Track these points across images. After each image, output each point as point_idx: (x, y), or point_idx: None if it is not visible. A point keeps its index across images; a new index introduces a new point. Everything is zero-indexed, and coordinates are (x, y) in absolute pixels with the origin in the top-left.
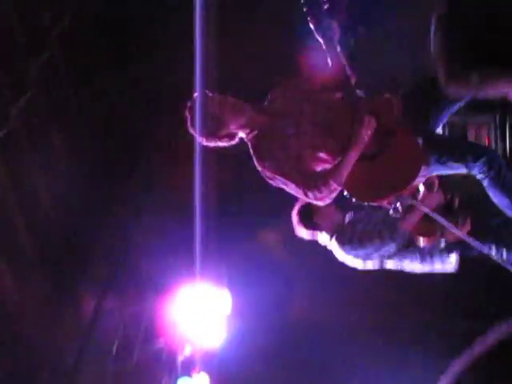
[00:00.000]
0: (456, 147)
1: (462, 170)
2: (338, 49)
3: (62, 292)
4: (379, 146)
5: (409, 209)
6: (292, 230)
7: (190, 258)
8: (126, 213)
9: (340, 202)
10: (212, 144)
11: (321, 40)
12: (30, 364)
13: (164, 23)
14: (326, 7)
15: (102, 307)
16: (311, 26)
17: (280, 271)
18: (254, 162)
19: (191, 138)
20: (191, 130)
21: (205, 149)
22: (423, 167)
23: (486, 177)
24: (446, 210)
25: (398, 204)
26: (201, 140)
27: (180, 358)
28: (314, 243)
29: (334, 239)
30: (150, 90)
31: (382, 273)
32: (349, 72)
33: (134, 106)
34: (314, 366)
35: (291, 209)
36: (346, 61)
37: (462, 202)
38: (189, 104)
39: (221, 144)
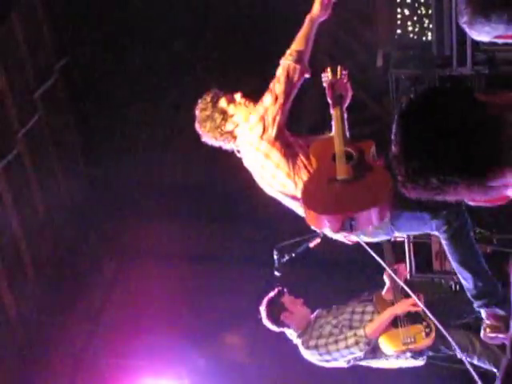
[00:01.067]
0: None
1: (423, 227)
2: None
3: None
4: (353, 176)
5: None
6: (256, 334)
7: (152, 357)
8: (87, 315)
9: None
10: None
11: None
12: None
13: None
14: None
15: None
16: None
17: (241, 372)
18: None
19: None
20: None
21: (167, 251)
22: (384, 220)
23: (445, 233)
24: (411, 311)
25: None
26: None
27: None
28: (278, 345)
29: (300, 340)
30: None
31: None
32: None
33: None
34: None
35: (256, 311)
36: None
37: (428, 303)
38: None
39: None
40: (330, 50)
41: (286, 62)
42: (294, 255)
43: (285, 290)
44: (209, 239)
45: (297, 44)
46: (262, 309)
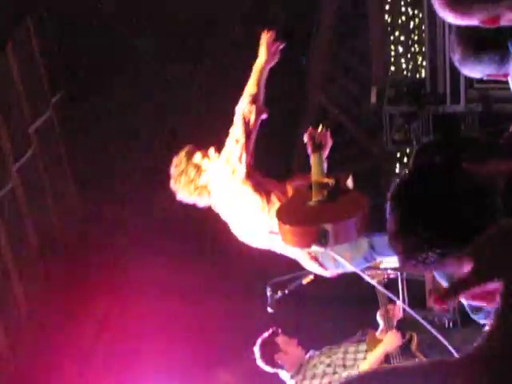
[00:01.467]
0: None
1: None
2: None
3: None
4: (327, 197)
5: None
6: (249, 371)
7: None
8: (78, 354)
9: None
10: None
11: None
12: None
13: None
14: None
15: None
16: None
17: None
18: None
19: None
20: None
21: (159, 287)
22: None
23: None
24: (404, 350)
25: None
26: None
27: None
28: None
29: (293, 382)
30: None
31: None
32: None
33: None
34: None
35: (249, 348)
36: None
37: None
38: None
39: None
40: (325, 86)
41: (241, 106)
42: (286, 292)
43: (279, 330)
44: (201, 275)
45: (249, 89)
46: (256, 349)
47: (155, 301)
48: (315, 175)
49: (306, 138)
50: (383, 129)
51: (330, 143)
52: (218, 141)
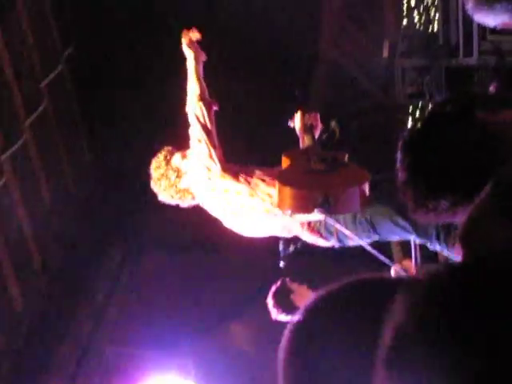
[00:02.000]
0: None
1: (406, 236)
2: None
3: (29, 378)
4: (329, 167)
5: None
6: (261, 322)
7: (157, 350)
8: (94, 304)
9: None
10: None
11: None
12: None
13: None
14: None
15: None
16: None
17: (247, 364)
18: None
19: None
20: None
21: (173, 240)
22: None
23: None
24: None
25: None
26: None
27: None
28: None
29: None
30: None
31: None
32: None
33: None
34: None
35: (261, 300)
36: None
37: None
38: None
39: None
40: (337, 39)
41: (190, 107)
42: (299, 246)
43: (288, 279)
44: (216, 227)
45: (191, 89)
46: (269, 299)
47: (169, 253)
48: (312, 148)
49: (292, 123)
50: (396, 82)
51: (320, 125)
52: None
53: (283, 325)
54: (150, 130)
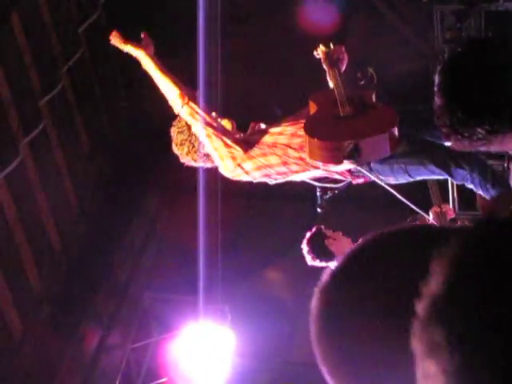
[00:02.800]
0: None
1: (444, 176)
2: None
3: (66, 327)
4: (356, 111)
5: None
6: (296, 269)
7: (194, 295)
8: (131, 250)
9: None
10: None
11: None
12: None
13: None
14: None
15: (105, 344)
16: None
17: (283, 310)
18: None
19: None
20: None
21: (209, 186)
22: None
23: (472, 182)
24: None
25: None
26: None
27: None
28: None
29: None
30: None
31: None
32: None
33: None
34: None
35: (297, 247)
36: None
37: None
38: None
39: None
40: None
41: (177, 109)
42: (336, 192)
43: (322, 226)
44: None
45: (166, 93)
46: (304, 245)
47: (204, 200)
48: (338, 90)
49: (316, 53)
50: (434, 27)
51: (346, 58)
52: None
53: (318, 271)
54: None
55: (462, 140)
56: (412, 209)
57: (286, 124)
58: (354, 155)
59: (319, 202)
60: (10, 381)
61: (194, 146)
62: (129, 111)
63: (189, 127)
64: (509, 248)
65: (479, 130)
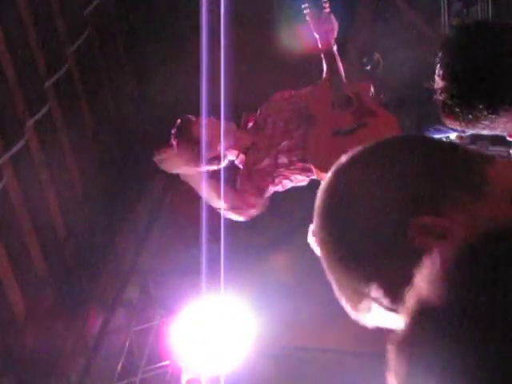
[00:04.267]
0: None
1: None
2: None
3: (70, 308)
4: (357, 124)
5: None
6: (304, 252)
7: (197, 278)
8: (135, 232)
9: None
10: (201, 168)
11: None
12: (34, 378)
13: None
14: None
15: (109, 324)
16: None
17: (288, 293)
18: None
19: None
20: (179, 156)
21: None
22: None
23: None
24: None
25: None
26: (189, 165)
27: (185, 379)
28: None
29: None
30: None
31: None
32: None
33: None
34: None
35: (305, 230)
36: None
37: None
38: (174, 131)
39: (210, 168)
40: None
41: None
42: None
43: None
44: None
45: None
46: (310, 231)
47: None
48: (335, 90)
49: (308, 18)
50: (441, 13)
51: (335, 25)
52: None
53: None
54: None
55: (465, 122)
56: None
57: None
58: None
59: None
60: (13, 360)
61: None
62: (135, 92)
63: None
64: None
65: (480, 106)
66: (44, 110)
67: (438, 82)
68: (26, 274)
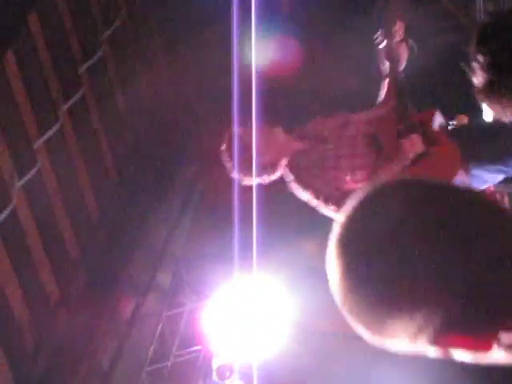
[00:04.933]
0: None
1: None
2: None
3: (102, 293)
4: (419, 154)
5: None
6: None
7: (229, 263)
8: (167, 217)
9: None
10: (253, 181)
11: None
12: (66, 362)
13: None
14: None
15: (140, 309)
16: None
17: (318, 278)
18: None
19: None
20: (228, 165)
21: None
22: (465, 176)
23: None
24: None
25: None
26: (240, 177)
27: (216, 364)
28: None
29: None
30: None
31: None
32: (401, 84)
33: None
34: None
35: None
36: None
37: None
38: (226, 136)
39: (263, 179)
40: None
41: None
42: None
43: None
44: None
45: None
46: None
47: None
48: (400, 117)
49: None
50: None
51: (405, 54)
52: None
53: None
54: None
55: (503, 102)
56: None
57: None
58: None
59: None
60: (46, 345)
61: None
62: (168, 74)
63: None
64: None
65: None
66: (78, 95)
67: (479, 79)
68: (60, 259)
